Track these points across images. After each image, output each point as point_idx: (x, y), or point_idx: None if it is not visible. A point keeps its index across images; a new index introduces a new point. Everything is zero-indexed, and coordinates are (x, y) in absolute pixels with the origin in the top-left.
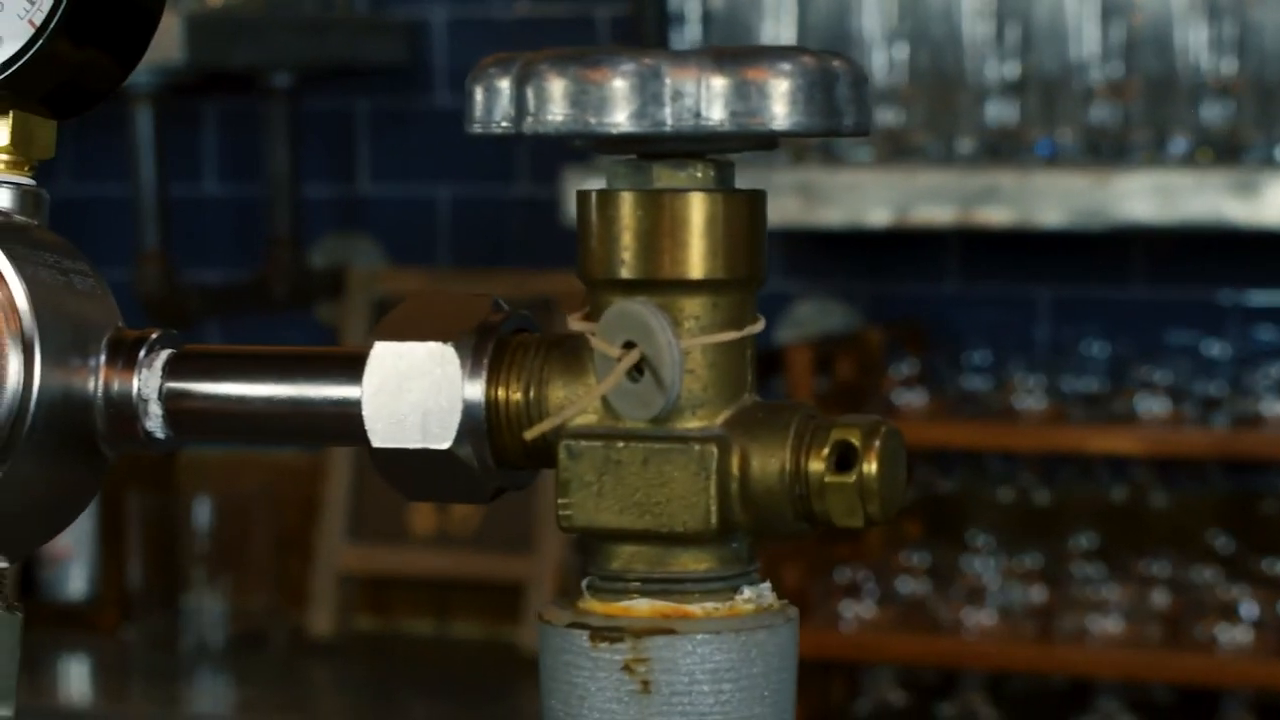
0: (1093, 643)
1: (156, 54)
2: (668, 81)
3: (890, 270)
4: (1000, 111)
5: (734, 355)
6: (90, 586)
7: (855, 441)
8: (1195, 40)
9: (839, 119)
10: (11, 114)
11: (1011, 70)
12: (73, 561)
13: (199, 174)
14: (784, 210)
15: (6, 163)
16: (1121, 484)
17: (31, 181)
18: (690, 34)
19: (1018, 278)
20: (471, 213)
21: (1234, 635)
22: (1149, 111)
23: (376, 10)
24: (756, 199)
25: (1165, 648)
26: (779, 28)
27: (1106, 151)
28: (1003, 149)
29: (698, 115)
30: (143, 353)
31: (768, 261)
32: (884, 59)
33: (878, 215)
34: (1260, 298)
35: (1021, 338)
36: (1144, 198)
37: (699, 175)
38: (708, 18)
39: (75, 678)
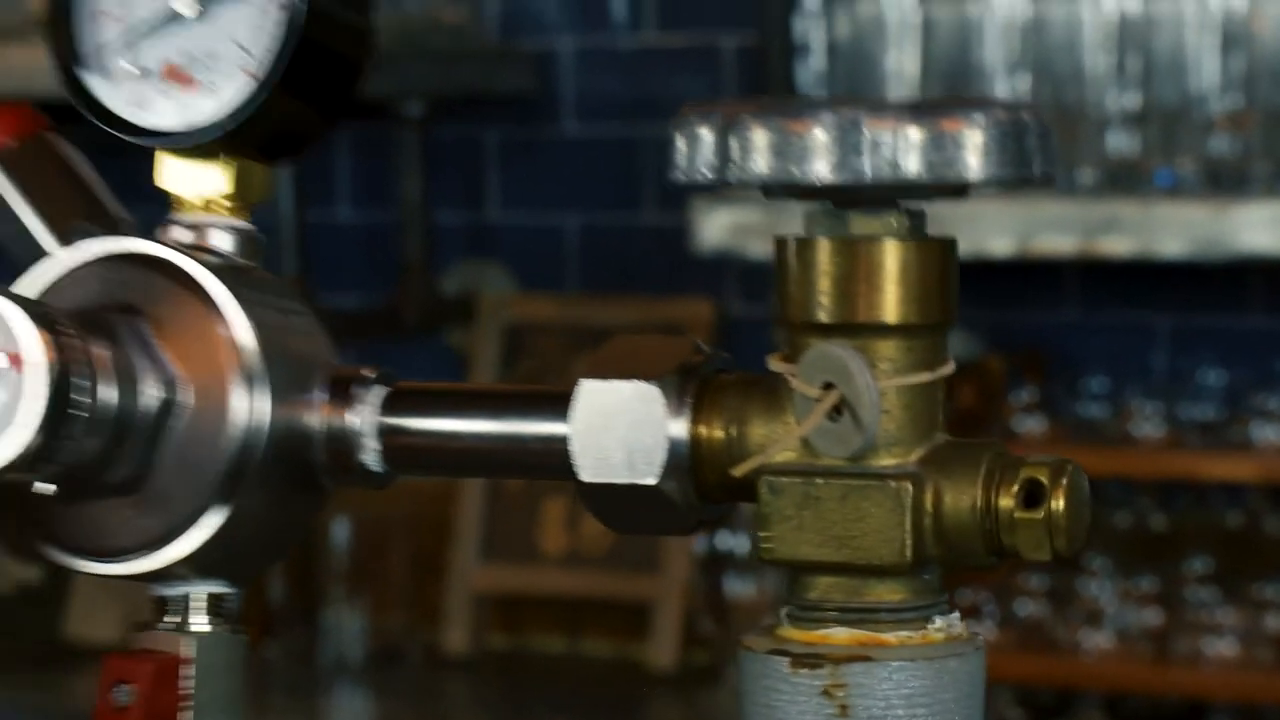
0: (1207, 665)
1: None
2: (866, 133)
3: (1011, 298)
4: (1121, 142)
5: (927, 396)
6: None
7: (1044, 479)
8: None
9: (1029, 168)
10: (234, 161)
11: (1132, 101)
12: None
13: (333, 200)
14: None
15: (229, 208)
16: (1236, 510)
17: (251, 226)
18: (815, 65)
19: (1136, 306)
20: (599, 240)
21: None
22: (1269, 142)
23: (505, 41)
24: (948, 246)
25: (1278, 670)
26: (902, 59)
27: (1226, 182)
28: (1123, 179)
29: (895, 166)
30: (360, 389)
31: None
32: (1006, 89)
33: (1000, 245)
34: None
35: (1139, 365)
36: (1264, 228)
37: (893, 223)
38: (832, 49)
39: None
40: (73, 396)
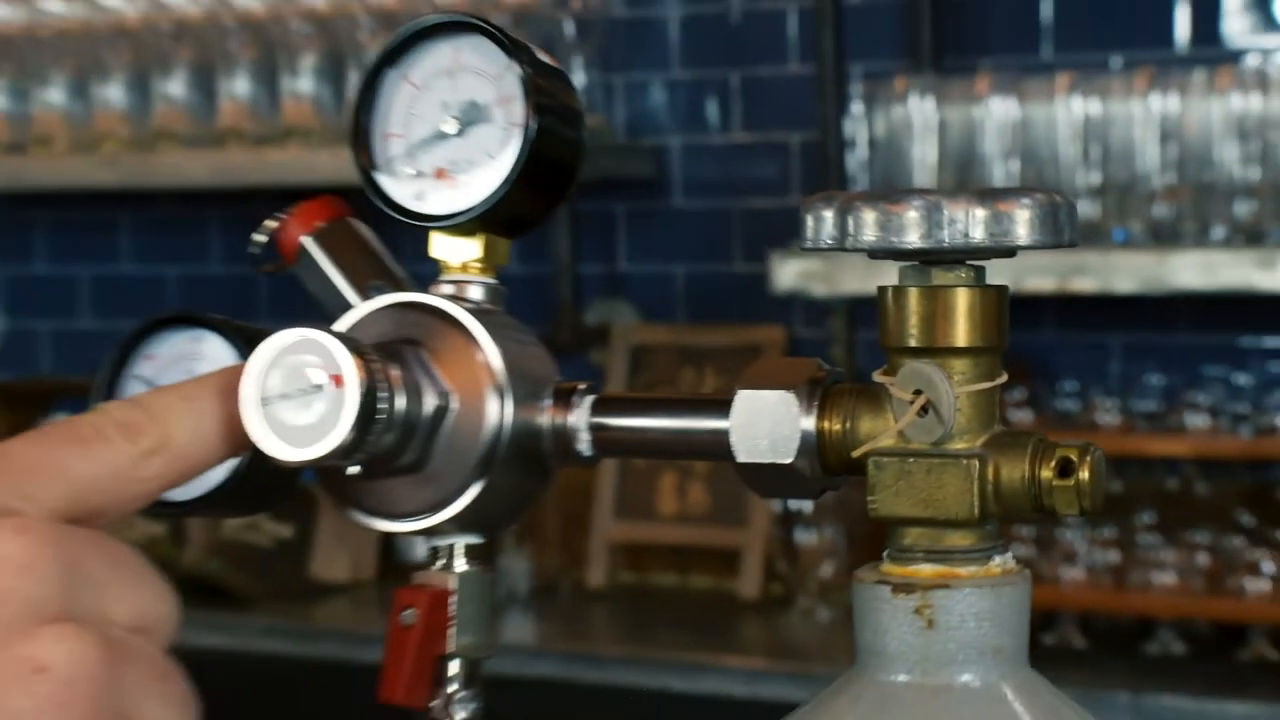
0: (1154, 591)
1: None
2: (945, 212)
3: None
4: (1087, 208)
5: (988, 398)
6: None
7: (1074, 458)
8: (1230, 156)
9: (1061, 236)
10: (484, 236)
11: (1094, 178)
12: None
13: None
14: None
15: (480, 269)
16: (1174, 477)
17: (496, 281)
18: (859, 155)
19: (1098, 329)
20: (700, 283)
21: (1257, 585)
22: (1195, 209)
23: (630, 139)
24: (1002, 291)
25: (1207, 595)
26: (924, 150)
27: (1164, 238)
28: (1089, 236)
29: (966, 235)
30: (577, 397)
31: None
32: (1001, 171)
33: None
34: (1274, 342)
35: (1100, 372)
36: (1192, 271)
37: (963, 276)
38: (872, 143)
39: None
40: (377, 406)
